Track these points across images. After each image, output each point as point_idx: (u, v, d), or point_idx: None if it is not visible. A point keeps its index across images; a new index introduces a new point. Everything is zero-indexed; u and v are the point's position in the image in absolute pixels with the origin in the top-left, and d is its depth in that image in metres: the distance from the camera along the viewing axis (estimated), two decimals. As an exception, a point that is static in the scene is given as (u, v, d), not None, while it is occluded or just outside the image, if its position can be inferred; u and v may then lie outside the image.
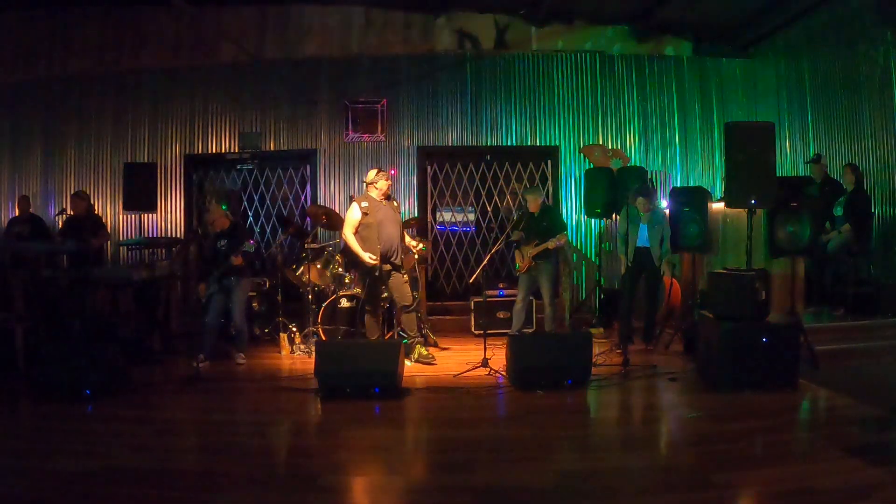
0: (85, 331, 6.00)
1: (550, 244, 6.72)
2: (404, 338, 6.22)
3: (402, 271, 6.14)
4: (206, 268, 6.36)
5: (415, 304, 6.28)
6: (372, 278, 6.01)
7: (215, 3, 8.75)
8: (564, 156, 8.96)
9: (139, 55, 8.97)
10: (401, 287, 6.09)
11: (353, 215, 6.02)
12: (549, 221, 6.88)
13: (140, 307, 6.94)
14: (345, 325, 6.56)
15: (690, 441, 4.17)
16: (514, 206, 8.99)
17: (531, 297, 7.16)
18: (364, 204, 6.02)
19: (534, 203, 6.96)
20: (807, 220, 5.78)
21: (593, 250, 8.77)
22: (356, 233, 6.00)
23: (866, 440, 3.94)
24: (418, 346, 6.22)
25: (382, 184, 6.06)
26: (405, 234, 6.38)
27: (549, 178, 9.09)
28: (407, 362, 5.89)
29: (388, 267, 6.03)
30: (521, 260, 6.95)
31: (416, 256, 6.82)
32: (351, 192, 8.69)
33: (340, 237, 7.87)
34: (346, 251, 6.35)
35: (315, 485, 3.43)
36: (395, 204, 6.31)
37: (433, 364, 6.13)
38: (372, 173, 6.15)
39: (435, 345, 6.42)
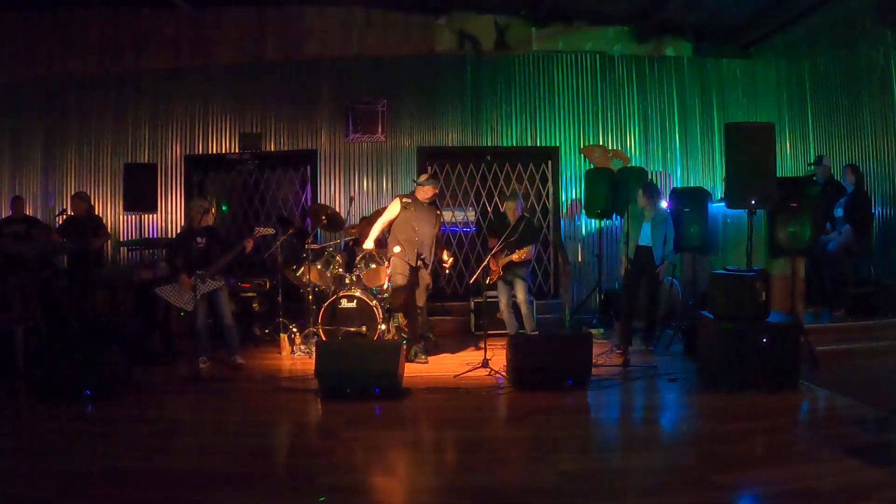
0: (85, 331, 6.00)
1: (514, 256, 6.68)
2: (404, 338, 6.26)
3: (428, 273, 6.36)
4: (192, 264, 6.05)
5: (423, 309, 6.43)
6: (410, 271, 6.18)
7: (215, 4, 8.75)
8: (564, 156, 8.96)
9: (139, 55, 8.97)
10: (421, 288, 6.29)
11: (392, 209, 6.31)
12: (520, 233, 6.74)
13: (140, 308, 6.94)
14: (345, 325, 6.56)
15: (690, 441, 4.18)
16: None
17: (513, 298, 6.98)
18: (406, 200, 6.32)
19: (511, 212, 6.86)
20: (807, 221, 5.78)
21: (594, 251, 8.76)
22: (391, 228, 6.27)
23: (866, 440, 3.94)
24: (414, 346, 6.28)
25: (428, 189, 6.33)
26: (441, 245, 6.61)
27: (549, 178, 9.09)
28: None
29: (419, 263, 6.23)
30: (496, 266, 6.81)
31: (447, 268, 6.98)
32: (351, 193, 8.71)
33: (342, 237, 7.95)
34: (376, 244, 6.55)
35: (315, 485, 3.44)
36: (438, 212, 6.48)
37: (425, 363, 6.22)
38: (423, 177, 6.55)
39: (425, 355, 6.45)
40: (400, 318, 6.58)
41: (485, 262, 6.32)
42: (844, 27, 7.54)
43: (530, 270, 7.11)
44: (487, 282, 6.86)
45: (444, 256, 6.65)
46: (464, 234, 9.06)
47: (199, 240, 6.14)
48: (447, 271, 6.91)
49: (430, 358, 6.41)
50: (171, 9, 8.51)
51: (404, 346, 5.61)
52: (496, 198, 9.04)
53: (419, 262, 6.24)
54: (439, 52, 9.04)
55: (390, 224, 6.33)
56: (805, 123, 8.34)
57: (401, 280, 6.23)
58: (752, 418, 4.44)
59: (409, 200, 6.30)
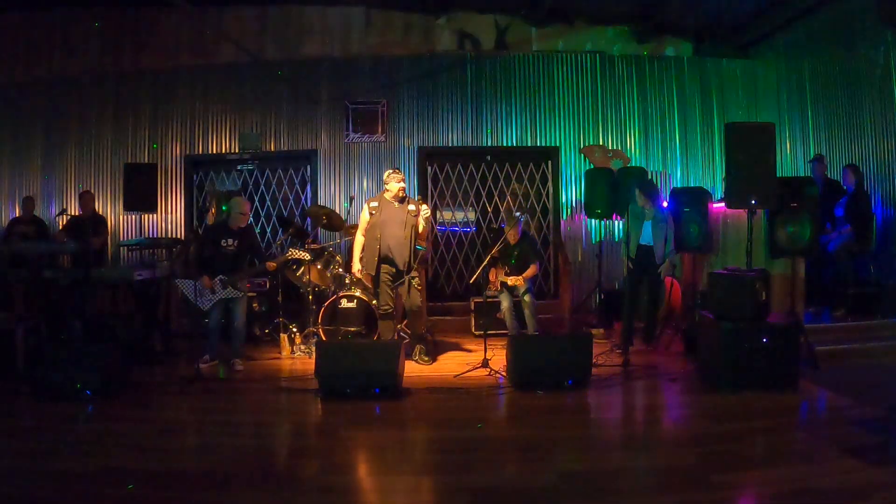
0: (85, 331, 5.99)
1: (510, 281, 6.75)
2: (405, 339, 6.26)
3: (414, 276, 6.09)
4: (208, 266, 6.05)
5: (418, 310, 6.23)
6: (385, 281, 6.02)
7: (215, 4, 8.75)
8: (564, 156, 8.97)
9: (139, 55, 8.97)
10: (412, 292, 6.10)
11: (362, 217, 6.16)
12: (521, 252, 6.84)
13: (140, 307, 6.94)
14: (345, 325, 6.55)
15: (690, 441, 4.17)
16: (514, 206, 8.99)
17: (516, 299, 7.02)
18: (373, 204, 6.08)
19: (512, 235, 6.87)
20: (807, 221, 5.77)
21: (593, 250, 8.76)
22: (365, 234, 6.09)
23: (866, 440, 3.94)
24: (418, 348, 6.23)
25: (392, 185, 6.01)
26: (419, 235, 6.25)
27: (550, 178, 9.09)
28: (410, 361, 6.07)
29: (393, 270, 6.02)
30: (494, 278, 6.87)
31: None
32: (351, 193, 8.71)
33: (342, 237, 7.96)
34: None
35: (315, 485, 3.44)
36: (412, 208, 6.04)
37: (430, 364, 6.16)
38: (386, 174, 6.15)
39: (427, 356, 6.33)
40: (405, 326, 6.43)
41: (485, 262, 6.30)
42: (844, 27, 7.53)
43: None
44: (490, 288, 6.91)
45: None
46: (463, 234, 9.06)
47: (228, 241, 6.05)
48: (423, 252, 6.33)
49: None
50: (171, 9, 8.51)
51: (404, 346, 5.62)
52: (496, 198, 9.04)
53: (385, 271, 5.97)
54: (439, 52, 9.04)
55: (365, 231, 6.08)
56: (805, 123, 8.34)
57: (384, 298, 6.01)
58: (752, 418, 4.44)
59: (377, 203, 6.04)
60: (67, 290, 6.48)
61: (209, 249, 6.10)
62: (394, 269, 6.03)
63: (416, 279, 6.15)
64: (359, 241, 6.14)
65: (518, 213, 7.21)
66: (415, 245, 6.08)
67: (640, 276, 6.58)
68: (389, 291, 6.08)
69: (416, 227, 6.05)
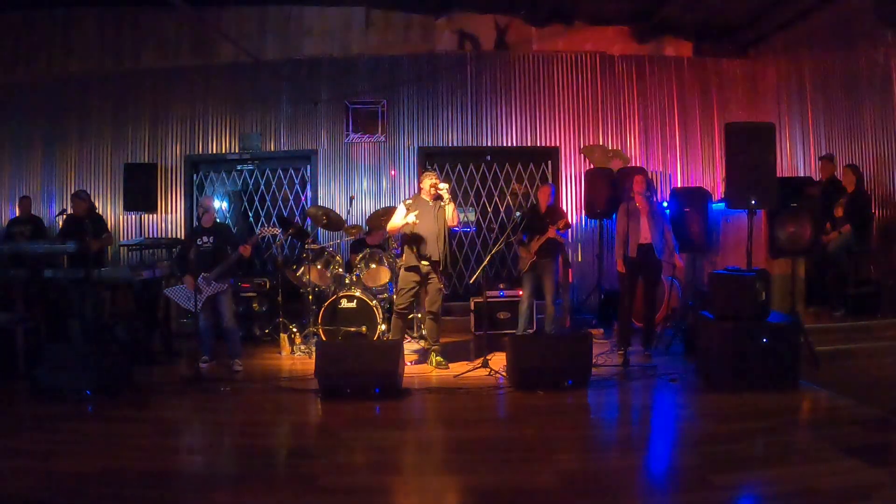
0: (85, 331, 5.99)
1: (550, 232, 6.68)
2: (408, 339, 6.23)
3: (440, 276, 6.07)
4: (189, 267, 6.01)
5: (439, 313, 6.17)
6: (414, 278, 6.01)
7: (215, 4, 8.75)
8: (565, 156, 8.97)
9: (139, 55, 8.97)
10: (433, 293, 6.08)
11: (396, 215, 6.14)
12: (550, 217, 6.81)
13: (140, 307, 6.94)
14: (345, 325, 6.54)
15: (690, 441, 4.18)
16: (514, 206, 8.98)
17: (534, 297, 7.02)
18: (408, 201, 6.16)
19: (545, 197, 6.94)
20: (807, 221, 5.77)
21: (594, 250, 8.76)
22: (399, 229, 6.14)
23: (866, 440, 3.94)
24: (433, 353, 6.15)
25: (425, 182, 6.13)
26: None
27: (550, 178, 9.08)
28: (426, 365, 6.13)
29: (426, 266, 5.97)
30: (525, 254, 6.83)
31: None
32: (351, 193, 8.71)
33: (342, 237, 7.96)
34: (402, 240, 6.28)
35: (315, 485, 3.44)
36: (441, 204, 6.06)
37: (447, 369, 6.00)
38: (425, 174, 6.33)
39: (445, 360, 6.22)
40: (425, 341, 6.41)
41: (485, 262, 6.28)
42: (844, 27, 7.53)
43: (557, 267, 7.11)
44: (519, 270, 6.94)
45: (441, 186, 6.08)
46: (463, 235, 9.06)
47: (204, 239, 6.04)
48: (441, 192, 6.10)
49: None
50: (170, 9, 8.50)
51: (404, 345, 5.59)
52: (496, 198, 9.05)
53: (423, 264, 5.99)
54: (439, 52, 9.04)
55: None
56: (805, 123, 8.34)
57: (405, 298, 6.00)
58: (752, 418, 4.44)
59: (412, 201, 6.16)
60: (67, 290, 6.48)
61: (191, 251, 6.08)
62: (428, 264, 5.99)
63: (441, 285, 6.11)
64: (393, 221, 6.10)
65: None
66: (448, 239, 6.12)
67: (636, 276, 6.46)
68: (411, 292, 6.05)
69: (442, 221, 6.06)
